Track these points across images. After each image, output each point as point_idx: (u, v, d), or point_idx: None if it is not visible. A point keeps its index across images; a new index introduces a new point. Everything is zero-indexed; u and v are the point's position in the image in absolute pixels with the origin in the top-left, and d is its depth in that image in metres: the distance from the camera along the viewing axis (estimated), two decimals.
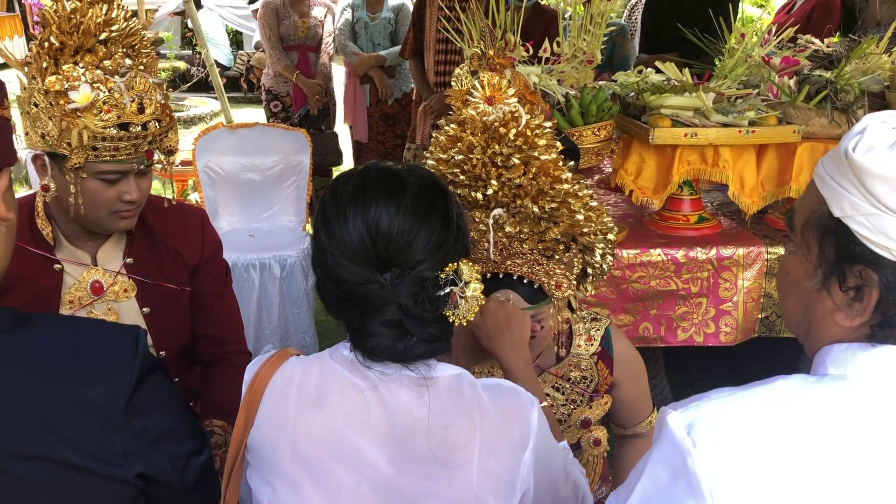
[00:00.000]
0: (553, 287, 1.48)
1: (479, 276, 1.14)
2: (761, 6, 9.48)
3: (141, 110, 1.48)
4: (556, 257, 1.47)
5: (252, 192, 3.89)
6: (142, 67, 1.54)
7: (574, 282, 1.50)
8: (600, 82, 3.35)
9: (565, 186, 1.42)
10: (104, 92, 1.45)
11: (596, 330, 1.76)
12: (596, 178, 3.32)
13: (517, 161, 1.41)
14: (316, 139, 4.83)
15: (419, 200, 1.14)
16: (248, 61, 10.07)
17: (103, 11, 1.49)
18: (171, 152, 1.63)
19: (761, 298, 2.55)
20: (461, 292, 1.12)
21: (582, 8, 3.34)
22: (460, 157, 1.44)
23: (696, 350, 2.75)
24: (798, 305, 0.96)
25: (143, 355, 1.08)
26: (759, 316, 2.57)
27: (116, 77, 1.47)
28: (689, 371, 3.52)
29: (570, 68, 3.05)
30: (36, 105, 1.48)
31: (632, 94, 2.83)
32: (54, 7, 1.47)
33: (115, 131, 1.47)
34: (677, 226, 2.63)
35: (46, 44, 1.46)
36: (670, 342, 2.57)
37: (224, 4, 10.38)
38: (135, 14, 4.50)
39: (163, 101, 1.55)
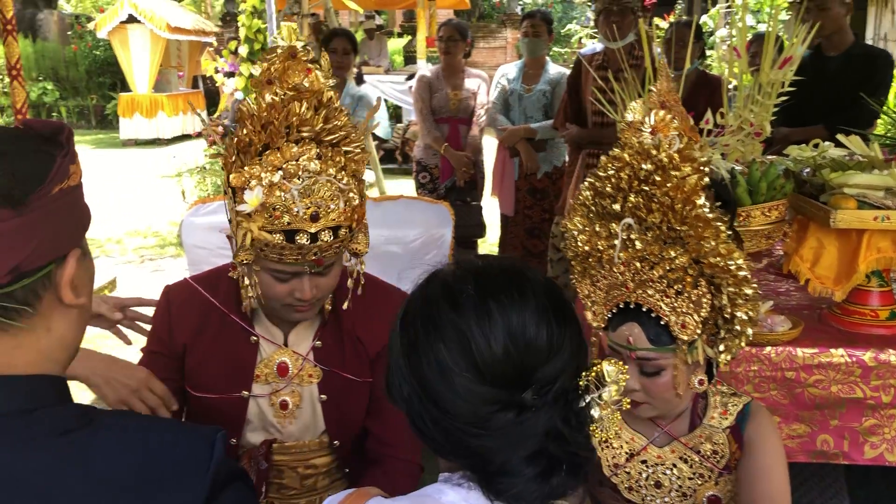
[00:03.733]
0: (678, 326, 1.47)
1: (626, 378, 0.95)
2: None
3: (315, 218, 1.38)
4: (685, 293, 1.45)
5: (393, 265, 3.81)
6: (332, 172, 1.41)
7: (700, 324, 1.46)
8: (770, 157, 3.05)
9: (697, 211, 1.42)
10: (279, 196, 1.37)
11: (734, 405, 1.68)
12: (765, 261, 2.98)
13: (658, 178, 1.44)
14: (461, 211, 4.75)
15: (553, 297, 0.96)
16: (404, 134, 10.32)
17: (302, 109, 1.39)
18: (357, 254, 1.53)
19: None
20: (598, 399, 0.93)
21: (750, 76, 3.08)
22: (612, 171, 1.51)
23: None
24: None
25: (218, 466, 0.93)
26: None
27: (295, 180, 1.37)
28: (873, 486, 3.03)
29: (736, 141, 2.79)
30: (225, 192, 1.45)
31: (807, 170, 2.52)
32: (254, 102, 1.41)
33: (280, 239, 1.38)
34: (864, 322, 2.26)
35: (236, 139, 1.41)
36: (855, 459, 2.19)
37: (385, 80, 10.76)
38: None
39: (347, 207, 1.42)
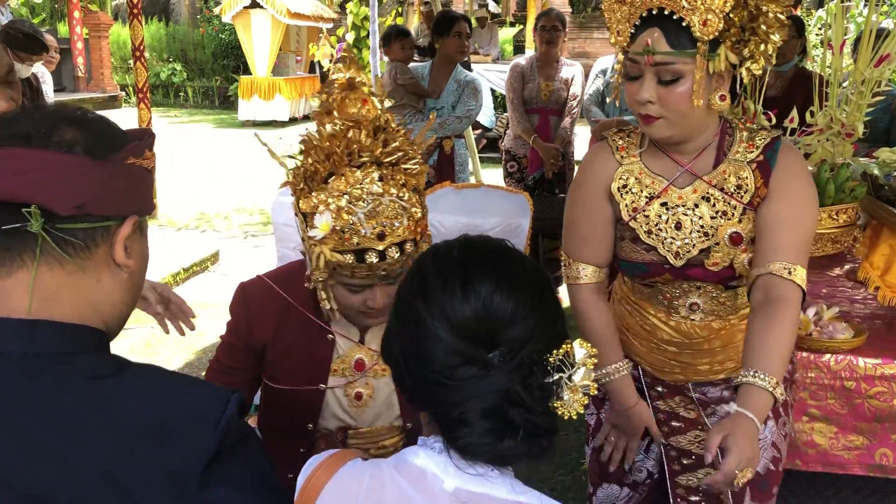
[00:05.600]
0: (699, 25, 1.46)
1: (594, 362, 0.99)
2: None
3: (381, 237, 1.46)
4: None
5: None
6: (393, 192, 1.47)
7: (722, 20, 1.46)
8: (862, 158, 2.92)
9: None
10: (347, 219, 1.44)
11: (761, 139, 1.64)
12: (846, 267, 2.87)
13: None
14: (548, 203, 4.75)
15: (530, 276, 1.04)
16: (507, 123, 10.33)
17: (361, 136, 1.46)
18: None
19: None
20: (568, 380, 0.98)
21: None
22: None
23: None
24: None
25: (230, 421, 1.01)
26: None
27: (360, 203, 1.45)
28: None
29: (825, 140, 2.68)
30: (296, 216, 1.54)
31: (893, 174, 2.41)
32: (317, 132, 1.50)
33: (351, 259, 1.47)
34: None
35: (303, 168, 1.49)
36: None
37: (492, 69, 10.79)
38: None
39: (410, 222, 1.49)
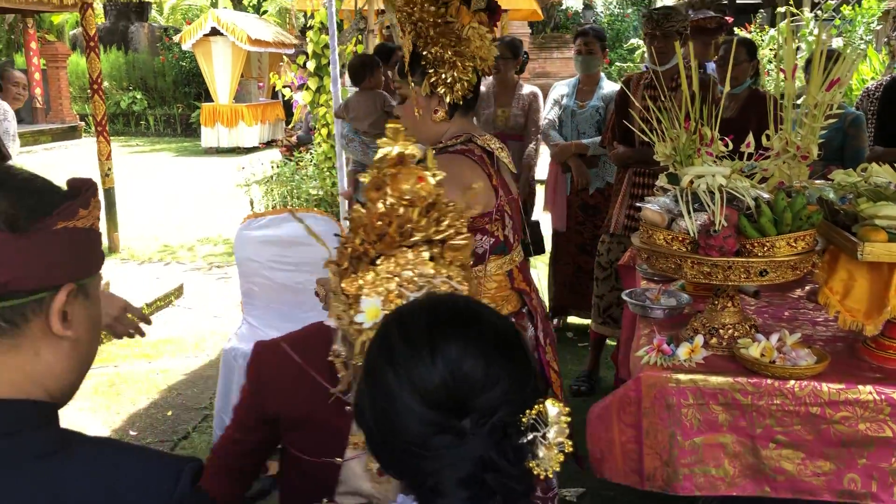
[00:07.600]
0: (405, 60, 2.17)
1: (567, 420, 0.97)
2: None
3: None
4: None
5: None
6: (443, 272, 1.38)
7: (409, 54, 2.14)
8: (818, 181, 2.95)
9: None
10: (398, 304, 1.33)
11: (437, 148, 2.19)
12: (808, 287, 2.89)
13: None
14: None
15: (500, 336, 1.02)
16: None
17: (414, 215, 1.38)
18: None
19: None
20: (542, 438, 0.95)
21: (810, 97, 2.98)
22: None
23: None
24: None
25: (182, 497, 0.98)
26: None
27: (411, 286, 1.34)
28: None
29: (782, 164, 2.71)
30: (334, 294, 1.42)
31: (850, 196, 2.43)
32: (365, 210, 1.40)
33: None
34: None
35: (349, 248, 1.39)
36: (884, 502, 2.10)
37: None
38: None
39: None
